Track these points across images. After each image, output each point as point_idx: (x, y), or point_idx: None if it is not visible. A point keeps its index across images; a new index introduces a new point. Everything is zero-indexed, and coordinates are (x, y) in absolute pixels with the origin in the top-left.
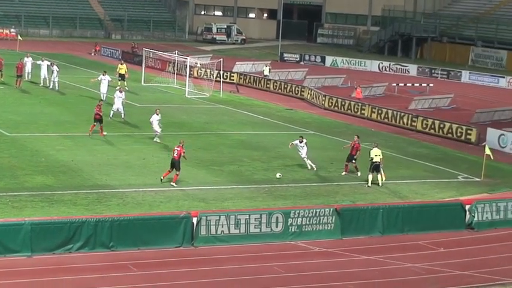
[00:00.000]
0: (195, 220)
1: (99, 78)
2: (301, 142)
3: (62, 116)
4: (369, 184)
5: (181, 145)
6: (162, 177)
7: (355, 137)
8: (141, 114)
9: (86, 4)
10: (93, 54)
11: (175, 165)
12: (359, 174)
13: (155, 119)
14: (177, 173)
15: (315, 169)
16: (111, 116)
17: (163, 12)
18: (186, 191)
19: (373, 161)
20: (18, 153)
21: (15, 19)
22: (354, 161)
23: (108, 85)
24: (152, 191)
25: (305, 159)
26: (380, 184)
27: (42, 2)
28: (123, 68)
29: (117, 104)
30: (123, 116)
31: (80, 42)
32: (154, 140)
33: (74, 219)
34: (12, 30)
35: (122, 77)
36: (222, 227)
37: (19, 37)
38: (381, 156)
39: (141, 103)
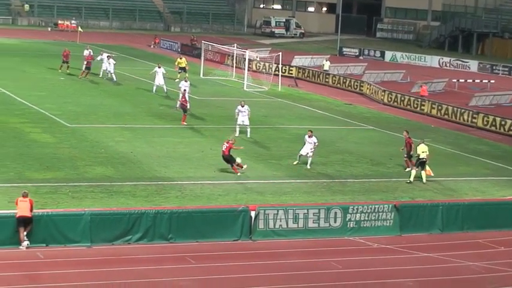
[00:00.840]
0: (253, 214)
1: (154, 70)
2: (310, 137)
3: (121, 108)
4: (411, 179)
5: (231, 141)
6: (237, 173)
7: (405, 132)
8: (199, 106)
9: None
10: (152, 46)
11: (227, 159)
12: (409, 170)
13: (241, 110)
14: (234, 164)
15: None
16: (177, 106)
17: (223, 5)
18: (245, 185)
19: (420, 157)
20: (78, 144)
21: (75, 11)
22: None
23: (164, 77)
24: (210, 184)
25: (303, 155)
26: (424, 181)
27: None
28: (182, 62)
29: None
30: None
31: (139, 35)
32: (248, 136)
33: (133, 211)
34: (73, 21)
35: (182, 69)
36: (280, 221)
37: (79, 29)
38: (427, 153)
39: (200, 96)
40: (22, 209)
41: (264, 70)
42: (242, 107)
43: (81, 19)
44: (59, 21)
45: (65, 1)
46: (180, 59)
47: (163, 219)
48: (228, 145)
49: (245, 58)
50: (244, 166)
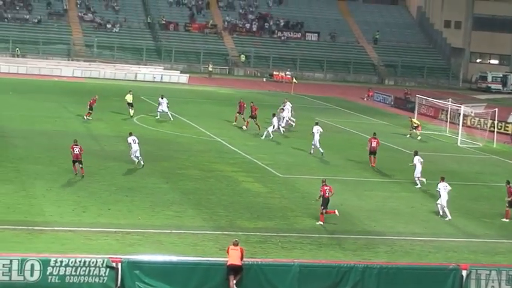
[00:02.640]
0: (464, 273)
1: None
2: (441, 182)
3: (332, 160)
4: None
5: (328, 186)
6: (321, 222)
7: (505, 184)
8: (410, 161)
9: (360, 49)
10: (365, 99)
11: (327, 203)
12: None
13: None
14: (326, 210)
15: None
16: None
17: (438, 59)
18: (456, 242)
19: None
20: (289, 195)
21: (290, 62)
22: None
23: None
24: (421, 241)
25: (441, 206)
26: None
27: (318, 47)
28: (416, 121)
29: None
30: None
31: (353, 87)
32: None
33: (342, 264)
34: (287, 73)
35: (415, 128)
36: (493, 282)
37: (294, 80)
38: None
39: (410, 149)
40: (233, 257)
41: (478, 126)
42: (414, 155)
43: (295, 70)
44: (274, 72)
45: (281, 53)
46: (413, 119)
47: (372, 274)
48: (328, 188)
49: (459, 113)
50: (336, 211)
